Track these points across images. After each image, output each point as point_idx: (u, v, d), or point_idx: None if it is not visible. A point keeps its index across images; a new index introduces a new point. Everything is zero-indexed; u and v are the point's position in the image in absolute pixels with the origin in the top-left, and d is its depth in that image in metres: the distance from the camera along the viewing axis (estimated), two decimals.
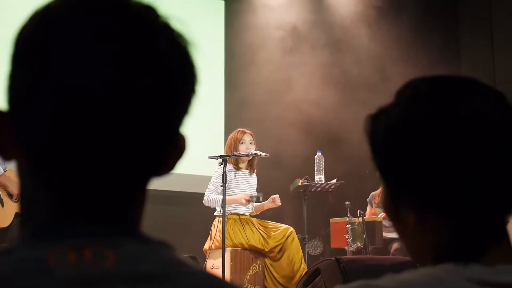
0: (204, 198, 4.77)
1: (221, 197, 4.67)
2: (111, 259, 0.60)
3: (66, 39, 0.63)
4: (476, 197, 0.82)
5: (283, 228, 4.76)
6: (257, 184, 4.96)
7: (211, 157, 4.58)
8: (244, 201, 4.70)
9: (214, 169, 4.85)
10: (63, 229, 0.63)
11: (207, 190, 4.78)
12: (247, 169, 4.88)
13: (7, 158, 0.67)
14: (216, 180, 4.74)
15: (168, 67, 0.66)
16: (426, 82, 0.88)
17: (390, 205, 0.90)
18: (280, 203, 4.87)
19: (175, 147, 0.70)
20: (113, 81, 0.62)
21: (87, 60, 0.62)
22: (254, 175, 4.92)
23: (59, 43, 0.63)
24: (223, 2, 7.45)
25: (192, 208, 6.02)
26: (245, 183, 4.85)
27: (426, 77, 0.89)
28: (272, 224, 4.83)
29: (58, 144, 0.63)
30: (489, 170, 0.82)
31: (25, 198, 0.68)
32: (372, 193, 6.16)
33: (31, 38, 0.65)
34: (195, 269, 0.65)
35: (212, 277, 0.65)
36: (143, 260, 0.62)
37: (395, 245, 5.69)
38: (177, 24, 0.69)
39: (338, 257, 3.35)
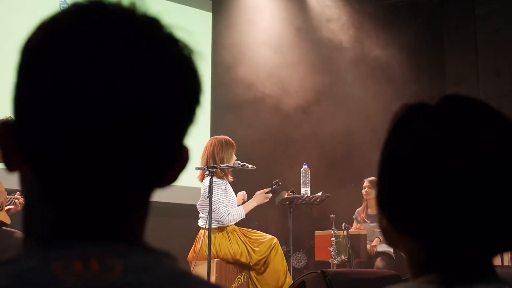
0: (226, 218, 4.56)
1: (239, 208, 4.63)
2: (118, 270, 0.60)
3: (72, 51, 0.62)
4: (447, 225, 0.81)
5: (267, 240, 4.73)
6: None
7: (198, 168, 4.55)
8: (264, 199, 4.66)
9: (205, 182, 4.60)
10: (69, 240, 0.63)
11: (221, 208, 4.54)
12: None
13: (11, 169, 0.67)
14: (221, 197, 4.59)
15: (174, 77, 0.66)
16: (437, 106, 0.87)
17: (376, 200, 0.91)
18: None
19: (179, 159, 0.70)
20: (120, 93, 0.62)
21: (93, 72, 0.62)
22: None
23: (65, 55, 0.62)
24: (211, 14, 7.47)
25: (174, 220, 5.99)
26: (233, 192, 4.82)
27: (440, 100, 0.88)
28: (256, 234, 4.79)
29: (64, 156, 0.62)
30: (468, 202, 0.80)
31: (30, 208, 0.68)
32: (357, 209, 6.19)
33: (37, 50, 0.64)
34: (200, 280, 0.65)
35: None
36: (149, 271, 0.62)
37: (379, 259, 5.71)
38: (180, 33, 0.69)
39: (323, 270, 3.35)
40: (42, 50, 0.64)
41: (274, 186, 4.76)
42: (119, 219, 0.66)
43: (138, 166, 0.64)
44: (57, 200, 0.65)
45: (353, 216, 6.18)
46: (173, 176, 0.70)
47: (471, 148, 0.81)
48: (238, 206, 4.78)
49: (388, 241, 0.91)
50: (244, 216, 4.68)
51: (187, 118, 0.68)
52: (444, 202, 0.80)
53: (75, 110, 0.61)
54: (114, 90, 0.62)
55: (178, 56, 0.67)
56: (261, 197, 4.77)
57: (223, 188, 4.59)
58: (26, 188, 0.68)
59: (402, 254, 0.89)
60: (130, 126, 0.63)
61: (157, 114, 0.64)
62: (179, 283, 0.63)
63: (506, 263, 5.23)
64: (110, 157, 0.63)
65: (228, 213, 4.60)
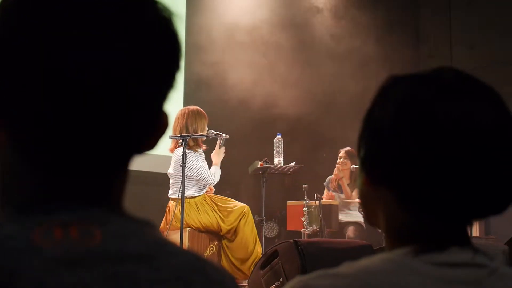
0: (213, 179, 4.69)
1: (217, 167, 4.74)
2: (97, 237, 0.60)
3: (48, 12, 0.61)
4: (430, 187, 0.81)
5: (237, 208, 4.74)
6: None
7: (172, 137, 4.51)
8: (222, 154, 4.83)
9: (178, 152, 4.62)
10: (48, 206, 0.62)
11: (204, 173, 4.63)
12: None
13: None
14: (198, 163, 4.64)
15: (153, 40, 0.64)
16: (423, 78, 0.86)
17: (359, 162, 0.90)
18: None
19: (158, 124, 0.68)
20: (98, 55, 0.60)
21: (71, 35, 0.60)
22: None
23: (43, 13, 0.61)
24: None
25: (144, 188, 5.95)
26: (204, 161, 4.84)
27: (424, 73, 0.87)
28: (227, 202, 4.79)
29: (42, 118, 0.61)
30: (455, 167, 0.80)
31: (7, 174, 0.66)
32: (329, 177, 6.20)
33: (14, 7, 0.62)
34: (179, 249, 0.65)
35: (196, 257, 0.65)
36: (129, 239, 0.61)
37: (351, 229, 5.77)
38: None
39: (296, 239, 3.37)
40: (19, 7, 0.62)
41: (222, 142, 4.87)
42: (98, 183, 0.65)
43: (117, 130, 0.63)
44: (34, 163, 0.63)
45: (324, 184, 6.20)
46: (153, 142, 0.69)
47: (454, 113, 0.81)
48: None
49: (365, 207, 0.91)
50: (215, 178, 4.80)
51: (166, 82, 0.67)
52: (422, 160, 0.80)
53: (53, 73, 0.60)
54: (92, 52, 0.60)
55: (157, 18, 0.65)
56: (220, 153, 4.87)
57: (196, 158, 4.60)
58: (2, 153, 0.66)
59: (378, 229, 0.89)
60: (109, 88, 0.61)
61: (137, 77, 0.62)
62: (159, 251, 0.62)
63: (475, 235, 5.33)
64: (89, 119, 0.61)
65: (213, 174, 4.70)
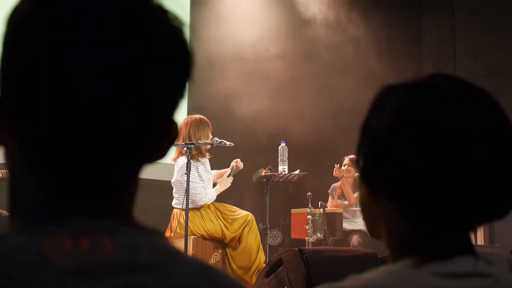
0: (203, 199, 4.61)
1: (214, 191, 4.68)
2: (108, 248, 0.59)
3: (61, 20, 0.61)
4: (431, 194, 0.80)
5: (241, 216, 4.73)
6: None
7: (176, 145, 4.51)
8: (229, 183, 4.77)
9: (181, 161, 4.63)
10: (57, 216, 0.61)
11: (198, 188, 4.58)
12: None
13: None
14: (197, 178, 4.60)
15: (163, 49, 0.64)
16: (421, 85, 0.86)
17: (359, 172, 0.90)
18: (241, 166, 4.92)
19: (168, 134, 0.68)
20: (108, 64, 0.60)
21: (82, 43, 0.60)
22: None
23: (53, 24, 0.61)
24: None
25: (150, 196, 5.95)
26: (209, 170, 4.82)
27: (422, 80, 0.87)
28: (231, 209, 4.79)
29: (52, 130, 0.61)
30: (453, 175, 0.80)
31: (16, 184, 0.66)
32: (333, 185, 6.19)
33: (25, 19, 0.62)
34: (188, 258, 0.65)
35: (204, 265, 0.65)
36: (139, 249, 0.61)
37: (355, 237, 5.75)
38: (170, 5, 0.67)
39: (301, 248, 3.36)
40: (30, 20, 0.62)
41: (232, 171, 4.84)
42: (108, 194, 0.64)
43: (126, 140, 0.63)
44: (44, 174, 0.63)
45: (329, 191, 6.18)
46: (163, 151, 0.69)
47: (450, 119, 0.80)
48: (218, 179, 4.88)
49: (367, 218, 0.91)
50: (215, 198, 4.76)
51: (177, 91, 0.67)
52: (422, 167, 0.80)
53: (65, 82, 0.60)
54: (103, 62, 0.60)
55: (168, 27, 0.66)
56: (227, 182, 4.83)
57: (195, 170, 4.58)
58: (12, 164, 0.66)
59: (381, 240, 0.89)
60: (119, 98, 0.61)
61: (147, 86, 0.63)
62: (168, 260, 0.62)
63: (479, 243, 5.31)
64: (99, 130, 0.61)
65: (205, 194, 4.63)
